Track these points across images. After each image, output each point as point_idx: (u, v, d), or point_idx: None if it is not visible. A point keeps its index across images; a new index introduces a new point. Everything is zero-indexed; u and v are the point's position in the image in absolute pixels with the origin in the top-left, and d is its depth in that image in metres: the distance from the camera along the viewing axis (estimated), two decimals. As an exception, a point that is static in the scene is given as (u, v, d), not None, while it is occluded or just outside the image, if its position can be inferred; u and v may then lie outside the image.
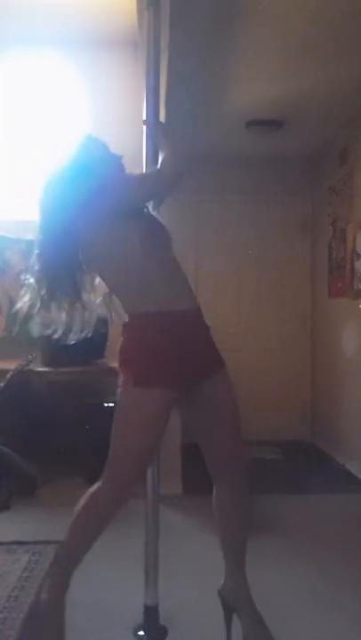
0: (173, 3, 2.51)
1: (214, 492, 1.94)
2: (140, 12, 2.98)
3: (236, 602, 1.90)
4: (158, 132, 1.96)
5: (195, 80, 3.45)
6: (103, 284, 1.92)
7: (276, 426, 5.03)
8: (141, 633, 1.99)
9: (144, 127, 2.03)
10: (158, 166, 1.85)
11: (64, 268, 1.87)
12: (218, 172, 5.00)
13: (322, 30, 2.90)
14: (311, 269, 5.19)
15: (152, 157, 1.98)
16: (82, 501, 1.81)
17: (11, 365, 3.78)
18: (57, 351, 3.95)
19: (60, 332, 1.97)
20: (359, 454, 4.02)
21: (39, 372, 3.89)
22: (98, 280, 1.93)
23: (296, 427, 5.14)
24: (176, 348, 1.75)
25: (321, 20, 2.80)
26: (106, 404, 3.56)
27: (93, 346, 3.76)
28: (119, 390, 1.79)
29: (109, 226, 1.77)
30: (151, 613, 1.98)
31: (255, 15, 2.75)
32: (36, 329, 2.20)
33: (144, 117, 2.03)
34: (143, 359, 1.76)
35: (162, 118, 2.85)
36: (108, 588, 2.34)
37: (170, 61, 3.05)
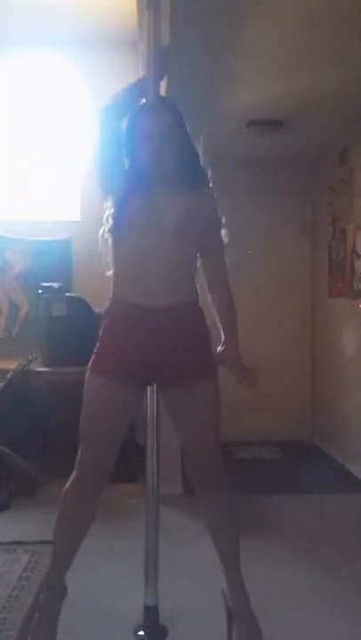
0: (173, 3, 2.51)
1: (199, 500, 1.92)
2: (140, 12, 2.97)
3: (231, 606, 1.90)
4: None
5: (195, 80, 3.45)
6: None
7: (276, 426, 5.03)
8: (141, 633, 1.99)
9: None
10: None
11: None
12: (218, 172, 4.97)
13: (322, 30, 2.90)
14: (311, 269, 5.19)
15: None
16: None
17: (11, 365, 3.78)
18: (57, 351, 3.97)
19: None
20: (359, 454, 4.02)
21: (39, 371, 3.89)
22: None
23: (296, 427, 5.13)
24: (129, 342, 1.76)
25: (321, 20, 2.80)
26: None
27: (93, 346, 3.76)
28: None
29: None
30: (151, 613, 1.98)
31: (255, 15, 2.75)
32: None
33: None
34: (98, 347, 1.83)
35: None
36: (108, 588, 2.34)
37: (170, 61, 3.05)
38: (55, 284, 4.21)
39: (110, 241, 1.83)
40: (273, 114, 4.06)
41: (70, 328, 3.92)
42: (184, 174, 1.85)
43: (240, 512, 1.91)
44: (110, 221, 1.81)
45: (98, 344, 1.84)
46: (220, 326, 1.94)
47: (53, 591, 1.80)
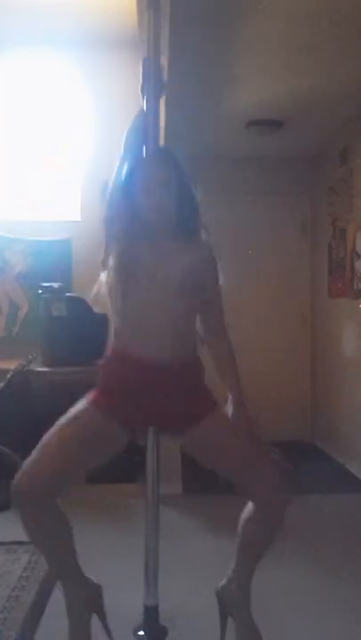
0: (173, 3, 2.51)
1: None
2: (140, 12, 2.98)
3: (232, 606, 1.89)
4: None
5: (195, 80, 3.45)
6: None
7: (276, 426, 5.03)
8: (141, 633, 1.99)
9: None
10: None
11: None
12: (218, 171, 5.00)
13: (322, 30, 2.90)
14: (311, 269, 5.19)
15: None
16: None
17: (11, 365, 3.78)
18: (57, 351, 3.97)
19: None
20: (359, 454, 4.02)
21: (39, 371, 3.89)
22: None
23: (296, 427, 5.14)
24: (132, 396, 1.76)
25: (321, 20, 2.80)
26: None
27: (93, 346, 3.75)
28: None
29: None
30: (151, 613, 1.98)
31: (255, 15, 2.75)
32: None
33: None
34: (100, 392, 1.81)
35: (162, 118, 2.85)
36: (108, 588, 2.34)
37: (170, 61, 3.05)
38: (55, 284, 4.21)
39: (113, 295, 1.81)
40: (273, 114, 4.06)
41: (70, 328, 3.92)
42: (184, 224, 1.85)
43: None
44: (113, 275, 1.79)
45: (98, 390, 1.83)
46: (222, 381, 1.91)
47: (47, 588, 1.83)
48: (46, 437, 1.76)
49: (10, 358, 3.96)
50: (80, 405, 1.81)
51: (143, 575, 1.97)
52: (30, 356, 3.82)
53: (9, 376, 3.69)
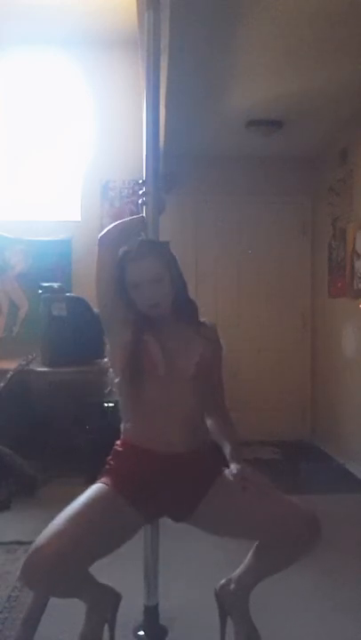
0: (173, 3, 2.51)
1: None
2: (140, 12, 2.97)
3: (230, 607, 1.89)
4: None
5: (195, 80, 3.45)
6: None
7: (276, 426, 5.03)
8: (141, 633, 1.99)
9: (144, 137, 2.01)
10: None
11: None
12: (218, 171, 5.00)
13: (322, 30, 2.90)
14: (311, 269, 5.19)
15: (152, 159, 1.97)
16: None
17: (11, 365, 3.78)
18: (57, 351, 3.97)
19: None
20: (359, 454, 4.02)
21: (39, 371, 3.89)
22: None
23: (296, 427, 5.13)
24: (142, 480, 1.72)
25: (321, 20, 2.80)
26: (106, 404, 3.56)
27: (93, 346, 3.76)
28: None
29: None
30: (151, 613, 1.98)
31: (255, 15, 2.75)
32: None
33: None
34: (115, 472, 1.76)
35: (162, 118, 2.85)
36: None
37: (170, 61, 3.05)
38: (55, 284, 4.21)
39: (124, 392, 1.80)
40: (273, 114, 4.06)
41: (70, 328, 3.92)
42: (182, 310, 1.84)
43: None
44: (121, 373, 1.77)
45: (113, 476, 1.76)
46: (218, 440, 1.85)
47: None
48: (62, 520, 1.63)
49: (10, 358, 3.96)
50: (98, 489, 1.73)
51: (143, 575, 1.97)
52: (30, 356, 3.83)
53: (9, 376, 3.69)
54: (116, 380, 1.84)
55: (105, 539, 1.68)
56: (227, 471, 1.75)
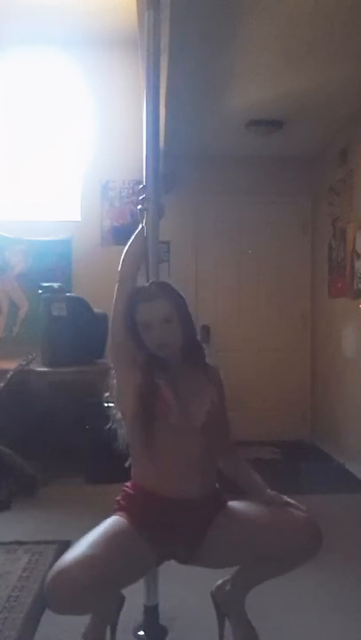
0: (173, 3, 2.51)
1: None
2: (140, 12, 2.98)
3: (227, 607, 1.90)
4: None
5: (195, 80, 3.45)
6: None
7: (276, 426, 5.03)
8: (141, 633, 1.99)
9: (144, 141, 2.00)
10: None
11: None
12: (218, 171, 5.00)
13: (322, 30, 2.90)
14: (311, 269, 5.19)
15: (152, 160, 1.97)
16: None
17: (11, 365, 3.78)
18: (57, 351, 3.97)
19: None
20: (359, 454, 4.02)
21: (39, 371, 3.89)
22: None
23: (296, 427, 5.13)
24: (154, 521, 1.71)
25: (321, 21, 2.80)
26: (106, 404, 3.56)
27: (93, 346, 3.76)
28: None
29: None
30: (151, 613, 1.98)
31: (255, 15, 2.75)
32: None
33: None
34: (128, 509, 1.75)
35: (162, 118, 2.85)
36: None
37: (170, 61, 3.05)
38: (55, 284, 4.21)
39: (136, 436, 1.77)
40: (273, 114, 4.06)
41: (70, 328, 3.92)
42: (189, 352, 1.83)
43: None
44: (137, 418, 1.75)
45: (128, 512, 1.74)
46: (246, 487, 1.86)
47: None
48: (85, 547, 1.59)
49: (10, 358, 3.96)
50: (117, 522, 1.71)
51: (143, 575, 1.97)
52: (30, 356, 3.82)
53: (9, 376, 3.69)
54: (127, 427, 1.81)
55: (125, 570, 1.66)
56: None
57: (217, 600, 1.92)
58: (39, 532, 2.95)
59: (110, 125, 4.70)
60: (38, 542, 2.83)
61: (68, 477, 3.68)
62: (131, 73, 4.31)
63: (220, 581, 1.92)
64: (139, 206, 1.98)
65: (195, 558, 1.79)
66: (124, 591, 1.88)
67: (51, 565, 2.55)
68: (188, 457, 1.74)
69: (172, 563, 1.83)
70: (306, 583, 2.43)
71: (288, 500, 1.79)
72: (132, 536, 1.67)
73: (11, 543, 2.83)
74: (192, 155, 4.84)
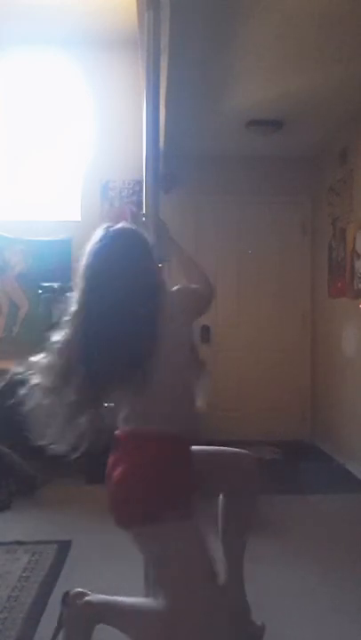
0: (173, 3, 2.51)
1: (222, 500, 1.94)
2: (140, 12, 2.98)
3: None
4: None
5: (195, 80, 3.45)
6: None
7: (276, 426, 5.03)
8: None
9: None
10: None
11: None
12: (218, 171, 5.00)
13: (322, 30, 2.90)
14: (311, 269, 5.19)
15: (152, 160, 1.97)
16: None
17: (11, 365, 3.78)
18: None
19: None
20: (359, 454, 4.02)
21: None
22: None
23: (296, 427, 5.13)
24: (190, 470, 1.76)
25: (321, 21, 2.80)
26: (105, 404, 3.55)
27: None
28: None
29: None
30: (151, 613, 1.98)
31: (255, 15, 2.75)
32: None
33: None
34: (174, 486, 1.68)
35: (162, 118, 2.85)
36: (108, 588, 2.34)
37: (170, 61, 3.05)
38: (55, 284, 4.21)
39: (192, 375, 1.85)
40: (273, 114, 4.06)
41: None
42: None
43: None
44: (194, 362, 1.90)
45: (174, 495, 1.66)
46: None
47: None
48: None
49: (10, 358, 3.96)
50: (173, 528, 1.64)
51: (143, 575, 1.97)
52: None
53: (9, 376, 3.69)
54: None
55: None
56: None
57: None
58: (39, 532, 2.95)
59: (110, 125, 4.70)
60: (38, 542, 2.83)
61: (68, 477, 3.68)
62: (131, 73, 4.31)
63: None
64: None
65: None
66: (123, 591, 1.88)
67: (51, 565, 2.56)
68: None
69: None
70: (306, 583, 2.44)
71: None
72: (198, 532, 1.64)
73: (11, 543, 2.83)
74: (192, 155, 4.84)
